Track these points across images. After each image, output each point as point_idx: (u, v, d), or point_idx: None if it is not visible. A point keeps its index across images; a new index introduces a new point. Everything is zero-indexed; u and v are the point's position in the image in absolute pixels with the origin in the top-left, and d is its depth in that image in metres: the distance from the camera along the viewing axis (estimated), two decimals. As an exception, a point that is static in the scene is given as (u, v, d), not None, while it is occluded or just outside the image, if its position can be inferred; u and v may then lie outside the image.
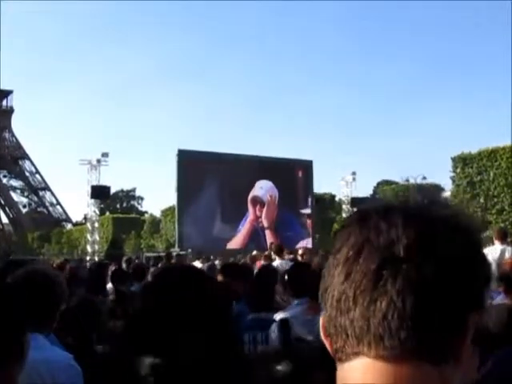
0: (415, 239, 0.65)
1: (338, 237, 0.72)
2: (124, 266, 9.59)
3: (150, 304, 1.21)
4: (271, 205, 25.47)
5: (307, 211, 26.98)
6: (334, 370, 0.72)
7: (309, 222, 27.10)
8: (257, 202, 25.16)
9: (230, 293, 4.01)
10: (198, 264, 10.62)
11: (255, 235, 24.93)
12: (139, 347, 1.15)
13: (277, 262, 9.44)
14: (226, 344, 1.20)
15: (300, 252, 11.00)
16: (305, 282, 3.89)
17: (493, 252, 7.82)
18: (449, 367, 0.65)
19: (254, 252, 11.49)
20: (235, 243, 24.53)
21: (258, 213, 25.15)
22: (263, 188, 25.42)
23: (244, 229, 24.96)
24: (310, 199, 27.17)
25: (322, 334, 0.72)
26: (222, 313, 1.23)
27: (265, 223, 25.20)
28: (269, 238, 24.75)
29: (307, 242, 25.57)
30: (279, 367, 2.19)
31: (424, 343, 0.64)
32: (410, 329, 0.63)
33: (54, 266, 8.64)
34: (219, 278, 4.32)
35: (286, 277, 4.18)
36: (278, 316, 3.91)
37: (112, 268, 8.38)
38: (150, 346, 1.13)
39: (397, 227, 0.67)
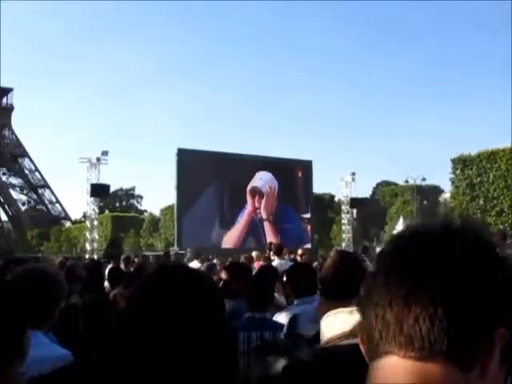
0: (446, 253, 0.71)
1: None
2: (122, 264, 9.55)
3: (145, 304, 1.18)
4: (270, 196, 25.35)
5: (307, 216, 26.94)
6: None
7: (309, 226, 27.04)
8: (256, 192, 25.04)
9: (230, 291, 4.02)
10: (196, 263, 10.61)
11: (254, 227, 24.84)
12: (131, 346, 1.15)
13: (276, 262, 9.45)
14: (221, 345, 1.19)
15: (299, 252, 11.00)
16: (305, 282, 3.91)
17: None
18: (473, 375, 0.68)
19: (254, 253, 11.46)
20: (233, 236, 24.39)
21: (256, 204, 25.01)
22: (262, 179, 25.38)
23: (242, 220, 24.83)
24: (309, 206, 27.08)
25: (359, 338, 0.78)
26: (220, 314, 1.22)
27: (263, 215, 25.04)
28: (268, 230, 24.71)
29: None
30: (274, 363, 2.20)
31: (452, 347, 0.68)
32: (439, 332, 0.67)
33: (57, 264, 8.64)
34: (223, 276, 4.32)
35: (285, 277, 4.19)
36: (279, 316, 3.93)
37: (109, 267, 8.38)
38: (143, 346, 1.12)
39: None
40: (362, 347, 0.76)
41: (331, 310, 2.13)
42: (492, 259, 0.73)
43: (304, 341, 3.19)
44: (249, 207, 24.91)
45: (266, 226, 24.97)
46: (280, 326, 3.75)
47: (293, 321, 3.67)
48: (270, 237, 24.35)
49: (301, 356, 2.12)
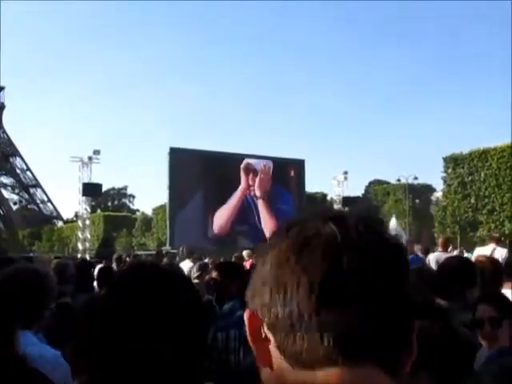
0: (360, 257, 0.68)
1: None
2: (114, 264, 9.51)
3: (113, 305, 1.14)
4: (265, 174, 25.10)
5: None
6: None
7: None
8: (249, 170, 24.77)
9: (225, 291, 4.02)
10: (188, 262, 10.59)
11: (245, 208, 24.58)
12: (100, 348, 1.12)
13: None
14: (194, 355, 1.16)
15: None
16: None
17: (485, 252, 8.08)
18: (397, 379, 0.68)
19: (244, 252, 11.47)
20: (222, 219, 24.10)
21: (250, 181, 24.78)
22: (257, 159, 25.30)
23: (234, 198, 24.58)
24: (302, 204, 27.04)
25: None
26: (196, 321, 1.18)
27: (257, 192, 24.70)
28: (262, 209, 24.47)
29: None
30: None
31: (384, 353, 0.67)
32: (360, 336, 0.65)
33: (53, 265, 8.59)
34: (214, 275, 4.33)
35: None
36: None
37: (98, 266, 8.34)
38: (112, 348, 1.09)
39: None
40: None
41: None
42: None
43: None
44: (242, 184, 24.56)
45: (260, 204, 24.62)
46: None
47: None
48: (265, 217, 24.30)
49: None
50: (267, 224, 23.68)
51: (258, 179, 24.68)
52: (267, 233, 19.14)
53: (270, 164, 25.32)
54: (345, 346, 0.65)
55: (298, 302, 0.66)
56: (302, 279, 0.66)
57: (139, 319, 1.10)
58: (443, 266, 3.70)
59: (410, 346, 0.70)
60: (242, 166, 24.55)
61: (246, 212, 24.63)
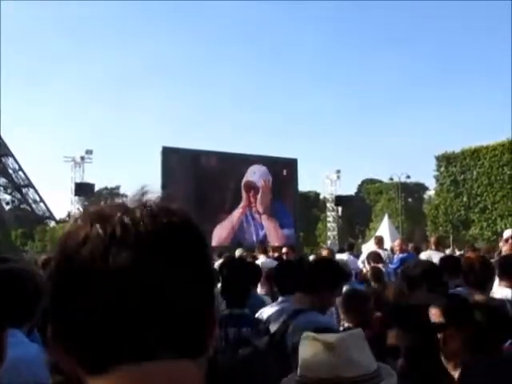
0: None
1: None
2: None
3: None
4: (265, 190, 25.32)
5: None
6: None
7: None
8: (250, 187, 24.94)
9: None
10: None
11: (245, 224, 24.76)
12: None
13: (260, 260, 9.48)
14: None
15: (284, 250, 11.03)
16: (291, 279, 3.96)
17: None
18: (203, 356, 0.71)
19: (237, 251, 11.45)
20: (222, 233, 24.20)
21: (251, 199, 24.96)
22: (256, 173, 25.31)
23: (236, 214, 24.74)
24: (294, 204, 27.11)
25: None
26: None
27: (260, 209, 24.97)
28: (267, 224, 24.75)
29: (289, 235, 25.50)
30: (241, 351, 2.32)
31: (180, 342, 0.68)
32: (150, 328, 0.66)
33: (39, 263, 8.53)
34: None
35: (275, 274, 4.25)
36: (265, 311, 3.97)
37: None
38: None
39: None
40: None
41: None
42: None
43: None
44: (244, 202, 24.81)
45: (264, 220, 24.96)
46: (258, 321, 3.77)
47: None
48: (271, 232, 24.56)
49: (259, 344, 2.28)
50: (275, 237, 24.13)
51: (259, 196, 24.97)
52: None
53: (270, 178, 25.47)
54: (121, 348, 0.65)
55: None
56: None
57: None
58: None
59: (205, 326, 0.70)
60: (243, 183, 24.77)
61: (244, 229, 24.74)
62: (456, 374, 2.24)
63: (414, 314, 2.22)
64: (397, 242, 10.48)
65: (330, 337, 1.62)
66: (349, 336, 1.62)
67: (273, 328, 3.35)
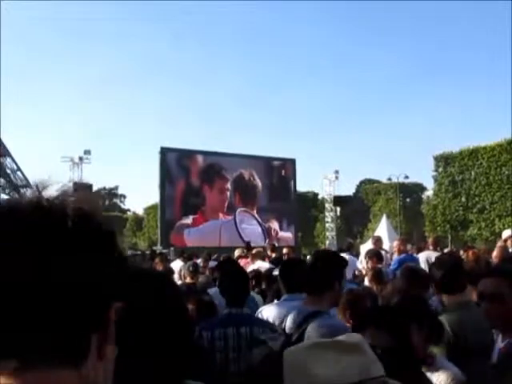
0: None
1: None
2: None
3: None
4: (262, 190, 25.70)
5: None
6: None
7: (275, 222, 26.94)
8: (248, 187, 25.33)
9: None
10: (179, 262, 10.57)
11: (245, 224, 24.92)
12: None
13: (257, 264, 9.45)
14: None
15: (284, 251, 11.03)
16: (296, 278, 3.97)
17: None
18: (89, 364, 0.63)
19: (236, 251, 11.44)
20: (208, 234, 24.20)
21: (249, 199, 25.29)
22: (254, 174, 25.69)
23: (237, 214, 24.96)
24: (292, 204, 27.18)
25: None
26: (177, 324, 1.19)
27: (256, 208, 25.44)
28: (264, 222, 24.99)
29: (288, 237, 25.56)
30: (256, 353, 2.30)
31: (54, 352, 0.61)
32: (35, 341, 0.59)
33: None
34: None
35: (279, 274, 4.26)
36: (265, 310, 3.98)
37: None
38: None
39: None
40: None
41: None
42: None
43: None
44: (242, 202, 24.99)
45: (263, 220, 25.22)
46: (257, 320, 3.78)
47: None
48: (270, 232, 24.70)
49: (275, 346, 2.23)
50: (274, 237, 24.58)
51: (258, 196, 25.40)
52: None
53: (266, 177, 25.78)
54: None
55: None
56: None
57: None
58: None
59: (88, 325, 0.63)
60: (241, 183, 25.02)
61: (245, 229, 24.87)
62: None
63: (390, 313, 2.21)
64: (395, 243, 10.37)
65: (349, 338, 1.55)
66: (360, 336, 1.58)
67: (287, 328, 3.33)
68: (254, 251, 10.28)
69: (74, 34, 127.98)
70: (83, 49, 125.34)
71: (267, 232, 25.04)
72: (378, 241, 10.71)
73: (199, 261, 10.48)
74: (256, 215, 25.17)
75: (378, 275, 6.49)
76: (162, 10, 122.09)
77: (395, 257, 9.78)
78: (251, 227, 24.84)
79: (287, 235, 25.99)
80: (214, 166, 24.71)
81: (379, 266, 7.71)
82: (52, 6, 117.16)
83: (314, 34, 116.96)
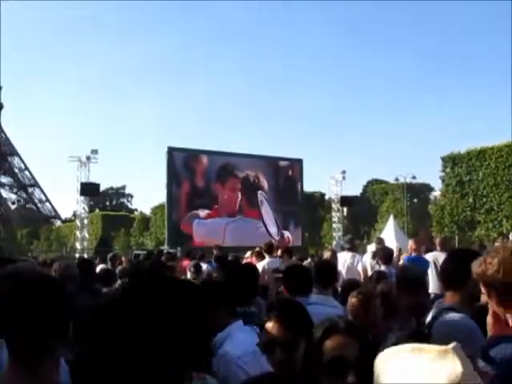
0: None
1: None
2: (109, 263, 9.41)
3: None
4: (269, 189, 25.66)
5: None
6: None
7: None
8: (255, 188, 25.26)
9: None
10: (186, 262, 10.58)
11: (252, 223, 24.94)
12: None
13: (265, 261, 9.45)
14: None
15: (279, 253, 11.00)
16: (299, 281, 4.00)
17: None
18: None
19: (248, 253, 11.45)
20: (213, 231, 24.13)
21: (255, 199, 25.30)
22: (260, 175, 25.63)
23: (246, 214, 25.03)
24: (299, 204, 27.09)
25: None
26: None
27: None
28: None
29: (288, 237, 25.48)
30: None
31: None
32: None
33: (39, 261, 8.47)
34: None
35: (283, 275, 4.26)
36: None
37: (100, 266, 8.33)
38: None
39: None
40: None
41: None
42: None
43: None
44: (247, 202, 24.98)
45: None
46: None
47: None
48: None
49: None
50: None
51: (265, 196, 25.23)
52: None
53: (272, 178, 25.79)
54: None
55: None
56: None
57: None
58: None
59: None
60: (248, 183, 25.02)
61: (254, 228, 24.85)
62: None
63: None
64: (410, 242, 9.92)
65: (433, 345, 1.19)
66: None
67: None
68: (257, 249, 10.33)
69: (80, 34, 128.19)
70: (89, 48, 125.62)
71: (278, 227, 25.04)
72: (381, 242, 10.64)
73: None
74: (265, 215, 25.10)
75: (380, 277, 6.49)
76: (162, 9, 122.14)
77: (404, 256, 9.76)
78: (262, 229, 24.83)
79: (294, 235, 25.96)
80: (227, 165, 24.70)
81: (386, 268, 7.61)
82: (52, 5, 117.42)
83: (322, 34, 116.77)
